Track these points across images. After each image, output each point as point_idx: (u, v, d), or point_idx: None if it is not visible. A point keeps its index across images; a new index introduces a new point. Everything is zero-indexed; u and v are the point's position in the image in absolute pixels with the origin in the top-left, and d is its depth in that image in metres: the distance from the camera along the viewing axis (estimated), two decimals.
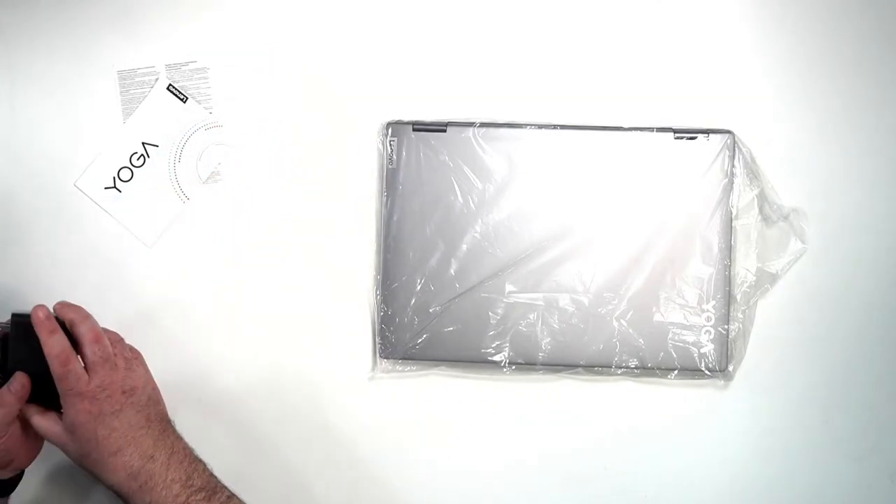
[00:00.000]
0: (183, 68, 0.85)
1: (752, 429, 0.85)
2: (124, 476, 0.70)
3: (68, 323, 0.72)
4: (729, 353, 0.83)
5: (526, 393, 0.85)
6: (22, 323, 0.71)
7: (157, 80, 0.85)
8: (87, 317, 0.73)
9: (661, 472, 0.85)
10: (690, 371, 0.83)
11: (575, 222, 0.83)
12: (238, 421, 0.86)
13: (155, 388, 0.77)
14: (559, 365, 0.83)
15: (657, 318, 0.83)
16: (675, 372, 0.83)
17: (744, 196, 0.83)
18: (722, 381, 0.84)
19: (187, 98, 0.85)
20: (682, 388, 0.84)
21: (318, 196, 0.85)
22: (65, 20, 0.85)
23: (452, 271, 0.83)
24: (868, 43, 0.85)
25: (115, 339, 0.76)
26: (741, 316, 0.83)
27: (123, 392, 0.72)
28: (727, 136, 0.83)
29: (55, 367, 0.69)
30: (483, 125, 0.83)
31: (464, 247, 0.83)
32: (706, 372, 0.83)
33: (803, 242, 0.84)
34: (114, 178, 0.85)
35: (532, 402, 0.85)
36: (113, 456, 0.70)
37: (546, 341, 0.83)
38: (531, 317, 0.83)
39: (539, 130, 0.83)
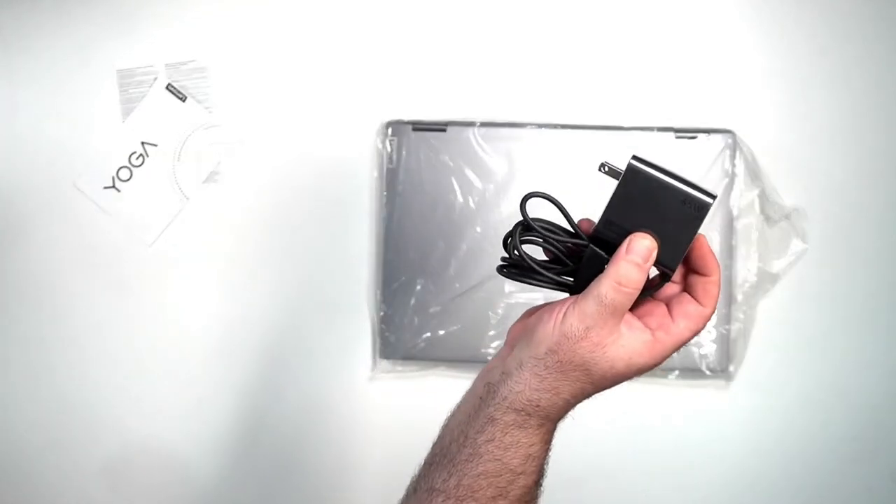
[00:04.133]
0: (182, 67, 0.85)
1: (752, 429, 0.85)
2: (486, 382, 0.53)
3: (707, 274, 0.51)
4: (730, 353, 0.83)
5: None
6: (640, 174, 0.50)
7: (156, 79, 0.85)
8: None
9: (662, 471, 0.85)
10: (691, 371, 0.83)
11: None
12: (237, 421, 0.86)
13: None
14: None
15: None
16: (676, 372, 0.83)
17: (745, 196, 0.83)
18: (723, 382, 0.84)
19: (186, 97, 0.84)
20: (683, 388, 0.84)
21: (317, 196, 0.85)
22: (64, 20, 0.84)
23: (452, 271, 0.83)
24: (868, 43, 0.84)
25: None
26: (742, 316, 0.83)
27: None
28: (728, 135, 0.82)
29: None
30: (483, 125, 0.82)
31: (464, 247, 0.83)
32: (707, 372, 0.83)
33: (805, 242, 0.83)
34: (113, 177, 0.85)
35: None
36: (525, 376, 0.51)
37: None
38: None
39: (539, 130, 0.83)
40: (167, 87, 0.85)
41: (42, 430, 0.85)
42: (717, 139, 0.82)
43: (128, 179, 0.85)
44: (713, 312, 0.51)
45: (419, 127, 0.83)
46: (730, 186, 0.82)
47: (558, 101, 0.84)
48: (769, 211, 0.83)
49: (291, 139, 0.85)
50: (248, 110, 0.85)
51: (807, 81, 0.84)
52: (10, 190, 0.85)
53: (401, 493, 0.86)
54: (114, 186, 0.85)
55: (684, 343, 0.51)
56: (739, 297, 0.83)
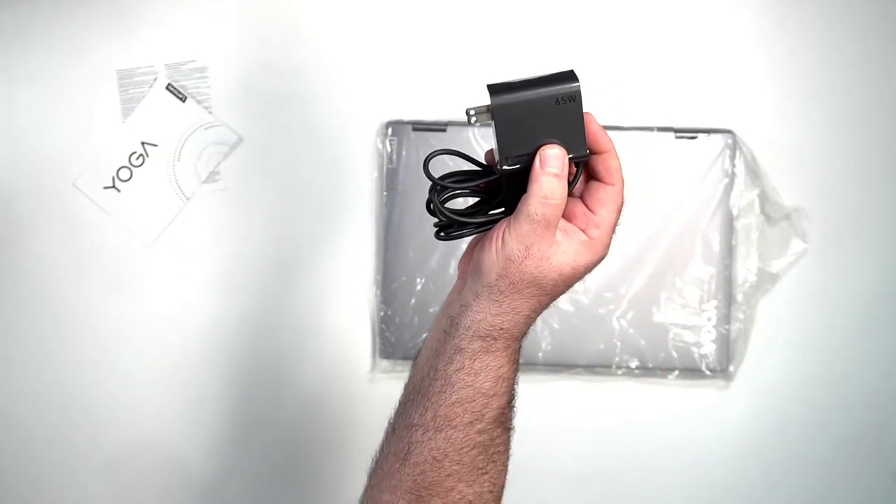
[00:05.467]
0: (182, 67, 0.85)
1: (752, 429, 0.85)
2: (449, 314, 0.54)
3: (602, 151, 0.52)
4: (730, 353, 0.83)
5: (526, 393, 0.84)
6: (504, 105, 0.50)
7: (156, 79, 0.85)
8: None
9: (662, 471, 0.85)
10: (691, 371, 0.83)
11: None
12: (237, 421, 0.86)
13: None
14: (559, 365, 0.83)
15: (658, 318, 0.82)
16: (676, 372, 0.83)
17: (745, 196, 0.83)
18: (723, 382, 0.84)
19: (186, 97, 0.84)
20: (683, 388, 0.84)
21: (317, 196, 0.85)
22: (63, 20, 0.84)
23: (452, 271, 0.83)
24: (868, 42, 0.84)
25: None
26: (742, 316, 0.83)
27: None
28: (728, 135, 0.82)
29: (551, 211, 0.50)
30: (483, 125, 0.82)
31: (464, 246, 0.82)
32: (707, 372, 0.83)
33: (805, 242, 0.83)
34: (113, 177, 0.85)
35: (532, 402, 0.85)
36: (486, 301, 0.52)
37: (546, 341, 0.83)
38: None
39: None
40: (167, 87, 0.85)
41: (42, 430, 0.85)
42: (717, 139, 0.82)
43: (128, 179, 0.85)
44: (623, 185, 0.52)
45: (419, 127, 0.83)
46: (730, 186, 0.82)
47: None
48: (769, 211, 0.83)
49: (291, 139, 0.85)
50: (248, 110, 0.85)
51: (806, 81, 0.84)
52: (10, 190, 0.85)
53: None
54: (114, 186, 0.85)
55: (615, 225, 0.52)
56: (739, 297, 0.83)
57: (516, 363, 0.54)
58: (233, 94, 0.85)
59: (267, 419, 0.86)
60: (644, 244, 0.82)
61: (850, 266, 0.84)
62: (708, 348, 0.82)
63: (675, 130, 0.83)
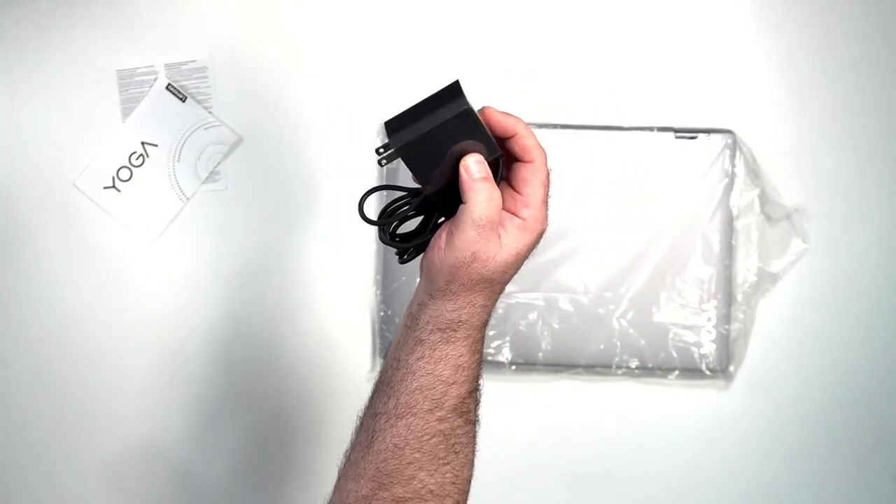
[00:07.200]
0: (182, 67, 0.85)
1: (752, 429, 0.85)
2: (409, 312, 0.57)
3: (512, 134, 0.53)
4: (730, 353, 0.83)
5: (526, 393, 0.85)
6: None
7: (156, 79, 0.85)
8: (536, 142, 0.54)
9: (662, 472, 0.85)
10: (691, 371, 0.83)
11: (575, 222, 0.83)
12: (237, 421, 0.86)
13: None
14: (559, 365, 0.83)
15: (658, 318, 0.82)
16: (676, 372, 0.83)
17: (745, 196, 0.83)
18: (722, 382, 0.84)
19: (186, 97, 0.84)
20: (683, 388, 0.84)
21: (317, 196, 0.85)
22: (63, 20, 0.84)
23: None
24: (868, 43, 0.84)
25: None
26: (742, 316, 0.83)
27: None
28: (728, 135, 0.82)
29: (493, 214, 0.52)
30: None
31: None
32: (707, 372, 0.83)
33: (805, 242, 0.83)
34: (113, 177, 0.85)
35: (532, 402, 0.85)
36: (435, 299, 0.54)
37: (546, 341, 0.83)
38: (531, 317, 0.83)
39: (539, 130, 0.83)
40: (167, 87, 0.85)
41: (42, 430, 0.85)
42: (717, 139, 0.82)
43: (128, 179, 0.85)
44: (545, 157, 0.53)
45: None
46: (730, 186, 0.82)
47: (558, 102, 0.84)
48: (769, 211, 0.83)
49: (291, 139, 0.85)
50: (248, 110, 0.85)
51: (807, 81, 0.84)
52: (10, 190, 0.85)
53: None
54: (114, 186, 0.85)
55: (546, 199, 0.53)
56: (739, 297, 0.83)
57: (479, 353, 0.55)
58: (233, 94, 0.85)
59: (267, 419, 0.86)
60: (644, 244, 0.82)
61: (851, 266, 0.84)
62: (708, 348, 0.82)
63: (675, 130, 0.83)
